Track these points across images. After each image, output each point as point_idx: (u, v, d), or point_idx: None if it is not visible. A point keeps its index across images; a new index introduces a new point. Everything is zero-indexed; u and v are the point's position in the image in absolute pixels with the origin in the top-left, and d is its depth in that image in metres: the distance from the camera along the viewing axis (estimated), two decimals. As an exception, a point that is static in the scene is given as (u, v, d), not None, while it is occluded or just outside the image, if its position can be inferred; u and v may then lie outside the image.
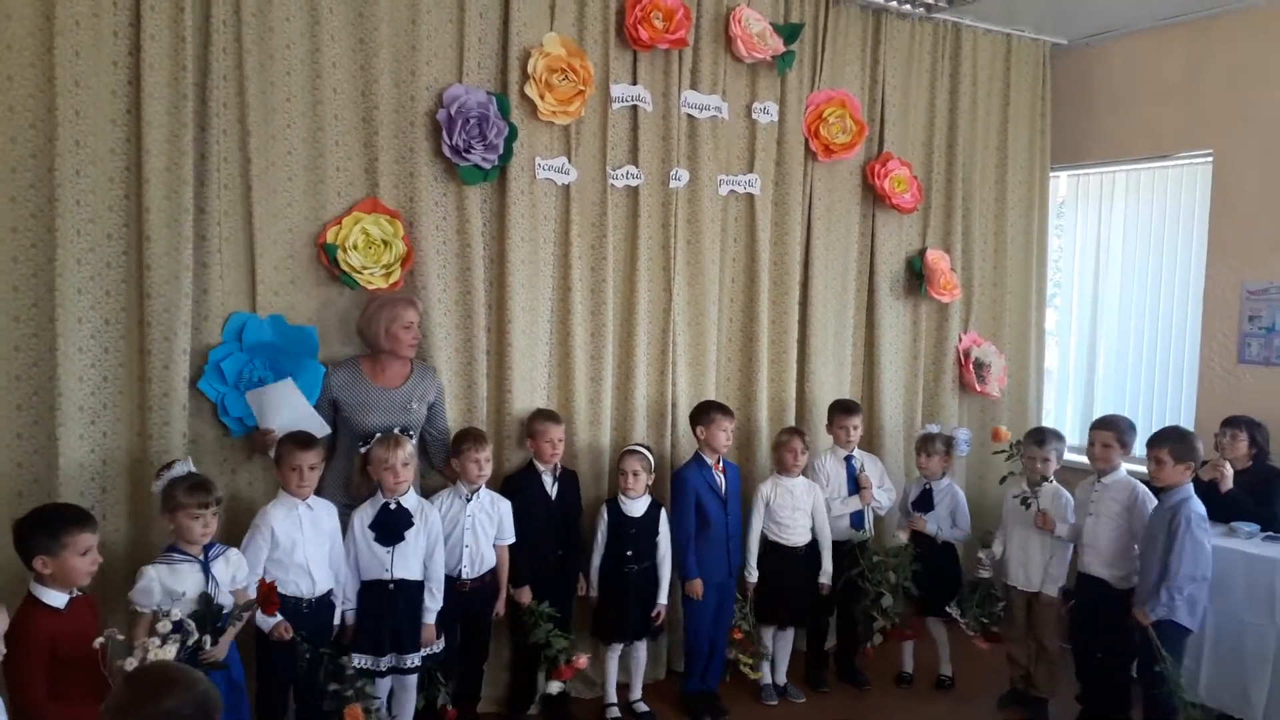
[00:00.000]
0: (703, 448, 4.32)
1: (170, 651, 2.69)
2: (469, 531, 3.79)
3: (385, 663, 3.54)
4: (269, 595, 3.11)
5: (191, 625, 2.82)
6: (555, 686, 3.94)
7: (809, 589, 4.45)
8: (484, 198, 4.12)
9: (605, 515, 4.16)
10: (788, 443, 4.44)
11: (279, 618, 3.19)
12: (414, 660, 3.58)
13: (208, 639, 2.86)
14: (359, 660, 3.47)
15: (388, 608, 3.51)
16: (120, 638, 2.72)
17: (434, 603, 3.62)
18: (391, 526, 3.51)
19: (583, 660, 3.96)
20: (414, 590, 3.55)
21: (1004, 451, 4.44)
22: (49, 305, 3.24)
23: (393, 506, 3.53)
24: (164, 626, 2.77)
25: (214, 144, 3.51)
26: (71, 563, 2.73)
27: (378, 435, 3.59)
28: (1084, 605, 4.12)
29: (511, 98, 4.06)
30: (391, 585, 3.51)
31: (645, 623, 4.21)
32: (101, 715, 1.71)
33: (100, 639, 2.61)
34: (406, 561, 3.53)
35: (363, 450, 3.60)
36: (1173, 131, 5.24)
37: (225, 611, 3.00)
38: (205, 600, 2.97)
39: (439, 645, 3.67)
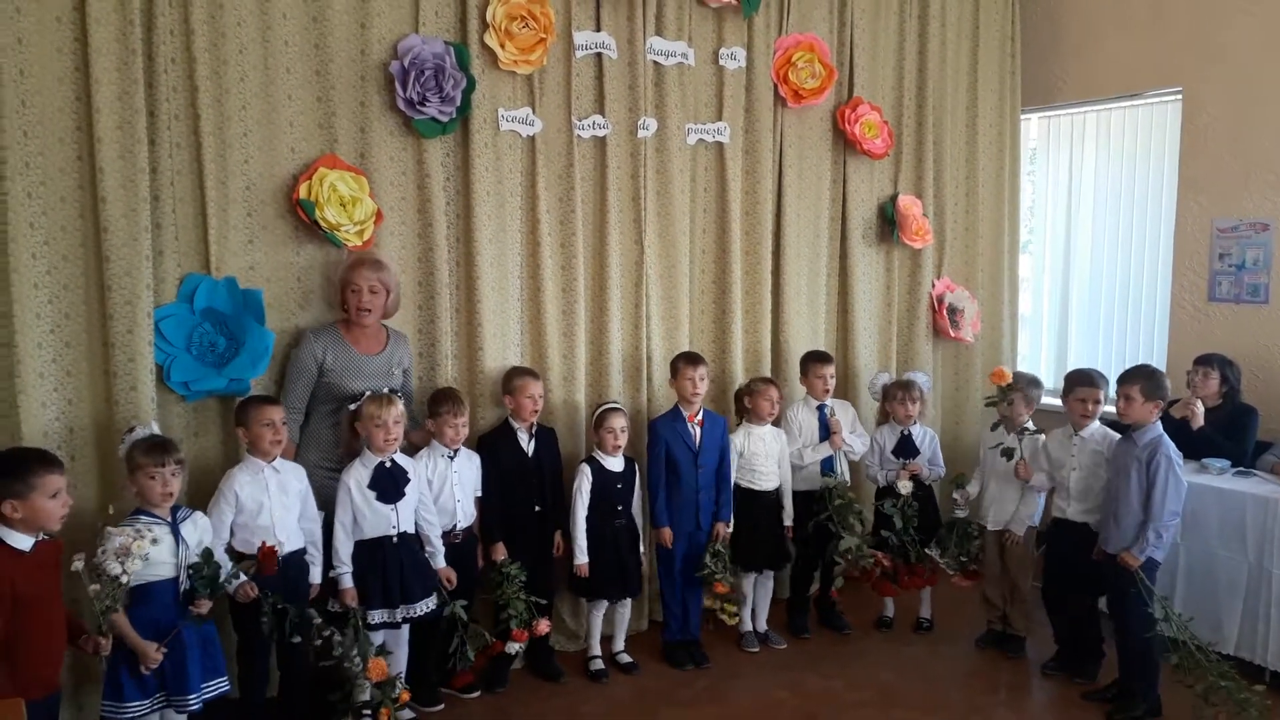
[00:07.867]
0: (679, 400, 4.32)
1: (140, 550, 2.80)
2: (458, 487, 3.86)
3: (400, 614, 3.60)
4: (270, 557, 3.18)
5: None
6: (514, 647, 3.93)
7: (783, 532, 4.48)
8: (446, 151, 4.04)
9: (589, 474, 4.12)
10: (764, 391, 4.40)
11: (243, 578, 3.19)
12: (428, 605, 3.65)
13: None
14: (375, 616, 3.53)
15: (395, 561, 3.59)
16: (81, 564, 2.79)
17: (439, 549, 3.76)
18: (391, 484, 3.59)
19: (543, 626, 3.94)
20: (413, 541, 3.67)
21: (993, 399, 4.29)
22: (3, 269, 3.15)
23: (388, 465, 3.59)
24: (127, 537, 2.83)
25: (163, 101, 3.41)
26: (41, 505, 2.70)
27: (368, 393, 3.61)
28: (1060, 549, 4.13)
29: (471, 48, 3.98)
30: (396, 539, 3.60)
31: (639, 576, 4.26)
32: None
33: (78, 563, 2.70)
34: (408, 515, 3.64)
35: (352, 408, 3.63)
36: (1142, 69, 5.21)
37: (224, 570, 3.07)
38: (207, 555, 3.03)
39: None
